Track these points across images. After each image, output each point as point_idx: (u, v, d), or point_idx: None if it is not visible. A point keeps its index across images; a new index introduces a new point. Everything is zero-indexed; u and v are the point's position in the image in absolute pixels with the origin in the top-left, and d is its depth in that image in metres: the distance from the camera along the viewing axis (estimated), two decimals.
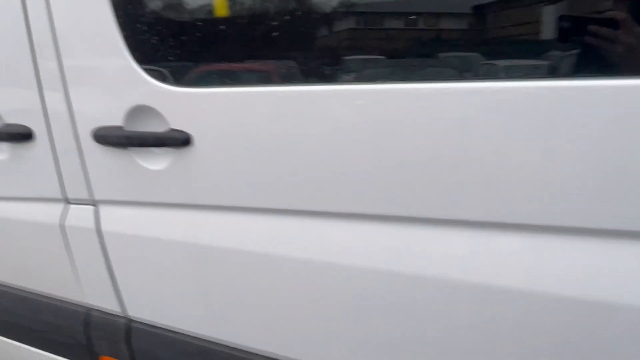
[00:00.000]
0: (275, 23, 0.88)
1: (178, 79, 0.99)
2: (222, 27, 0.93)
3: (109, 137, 1.08)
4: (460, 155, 0.76)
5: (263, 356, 1.12)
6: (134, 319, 1.33)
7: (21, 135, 1.21)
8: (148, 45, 1.00)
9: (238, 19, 0.93)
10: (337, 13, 0.84)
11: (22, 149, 1.24)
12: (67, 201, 1.29)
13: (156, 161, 1.07)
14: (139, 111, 1.04)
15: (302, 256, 0.97)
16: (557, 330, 0.77)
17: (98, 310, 1.39)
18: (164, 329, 1.28)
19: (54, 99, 1.13)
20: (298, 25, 0.87)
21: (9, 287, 1.56)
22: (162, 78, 0.99)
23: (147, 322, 1.30)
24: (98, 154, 1.13)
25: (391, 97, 0.79)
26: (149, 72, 1.00)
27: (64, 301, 1.46)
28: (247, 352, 1.14)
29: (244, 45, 0.94)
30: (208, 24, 0.95)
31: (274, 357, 1.11)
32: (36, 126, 1.19)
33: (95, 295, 1.36)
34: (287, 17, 0.87)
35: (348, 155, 0.85)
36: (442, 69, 0.78)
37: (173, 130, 1.01)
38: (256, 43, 0.93)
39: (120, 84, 1.04)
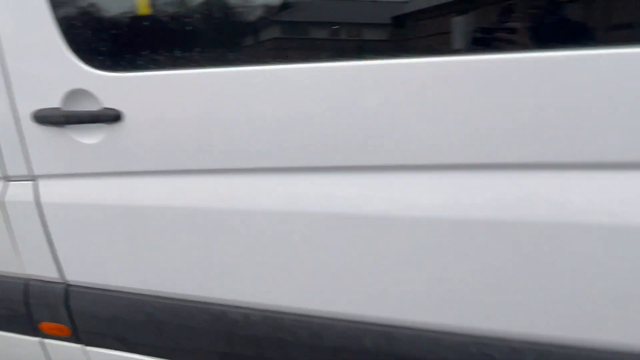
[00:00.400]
0: (188, 19, 1.12)
1: (108, 65, 1.19)
2: (144, 22, 1.16)
3: (48, 117, 1.26)
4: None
5: (189, 300, 1.33)
6: (71, 283, 1.48)
7: None
8: (82, 37, 1.19)
9: (156, 15, 1.16)
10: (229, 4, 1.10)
11: None
12: (7, 179, 1.43)
13: (91, 137, 1.26)
14: (74, 94, 1.22)
15: (217, 207, 1.20)
16: None
17: (37, 279, 1.53)
18: (100, 288, 1.45)
19: None
20: (203, 19, 1.11)
21: None
22: (94, 64, 1.19)
23: (85, 284, 1.47)
24: (38, 134, 1.30)
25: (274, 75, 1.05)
26: (83, 59, 1.19)
27: (2, 275, 1.58)
28: (176, 298, 1.35)
29: (161, 36, 1.17)
30: (131, 19, 1.17)
31: (198, 299, 1.32)
32: None
33: (34, 265, 1.50)
34: (197, 14, 1.11)
35: (250, 119, 1.10)
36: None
37: (106, 108, 1.20)
38: (171, 35, 1.16)
39: (57, 71, 1.22)
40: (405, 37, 1.03)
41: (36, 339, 1.63)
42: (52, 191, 1.38)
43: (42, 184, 1.38)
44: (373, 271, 1.09)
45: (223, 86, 1.10)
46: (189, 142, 1.17)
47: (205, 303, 1.31)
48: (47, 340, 1.62)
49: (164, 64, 1.15)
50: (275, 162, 1.11)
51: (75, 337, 1.55)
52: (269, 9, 1.10)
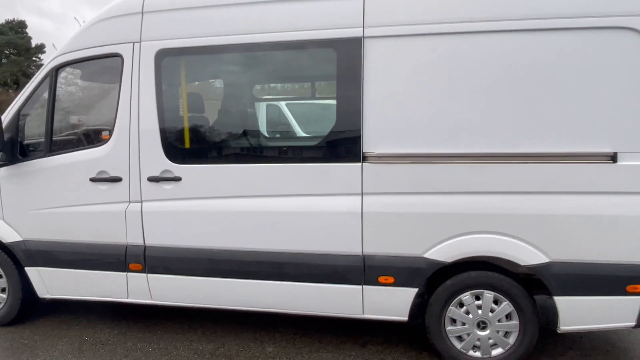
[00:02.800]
0: None
1: (178, 160, 3.37)
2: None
3: (156, 178, 3.40)
4: None
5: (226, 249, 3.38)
6: (147, 245, 3.51)
7: None
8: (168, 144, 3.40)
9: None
10: None
11: None
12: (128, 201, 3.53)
13: (169, 184, 3.40)
14: (164, 172, 3.39)
15: (246, 209, 3.32)
16: None
17: (132, 245, 3.55)
18: (161, 247, 3.48)
19: None
20: None
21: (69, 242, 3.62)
22: (172, 159, 3.37)
23: (153, 245, 3.50)
24: (149, 186, 3.44)
25: None
26: (167, 156, 3.38)
27: (116, 243, 3.60)
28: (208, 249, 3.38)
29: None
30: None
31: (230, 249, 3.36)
32: None
33: (132, 238, 3.53)
34: None
35: None
36: None
37: (175, 176, 3.36)
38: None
39: (158, 160, 3.39)
40: None
41: (125, 273, 3.60)
42: (153, 206, 3.45)
43: (145, 204, 3.47)
44: None
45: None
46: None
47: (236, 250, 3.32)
48: (129, 274, 3.59)
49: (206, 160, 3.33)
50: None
51: (143, 270, 3.54)
52: None
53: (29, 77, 35.62)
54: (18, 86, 34.01)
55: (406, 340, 3.60)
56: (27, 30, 37.96)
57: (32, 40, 37.22)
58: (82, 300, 3.83)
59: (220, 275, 3.42)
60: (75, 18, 35.21)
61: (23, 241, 3.77)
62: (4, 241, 3.81)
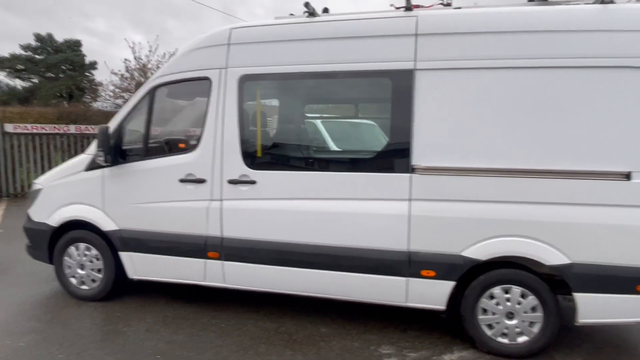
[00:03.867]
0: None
1: (252, 167, 3.92)
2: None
3: (235, 180, 3.95)
4: None
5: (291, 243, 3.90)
6: (224, 237, 4.05)
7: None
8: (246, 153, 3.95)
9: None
10: None
11: None
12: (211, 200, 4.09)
13: (246, 186, 3.94)
14: (242, 175, 3.94)
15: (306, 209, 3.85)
16: None
17: (212, 236, 4.09)
18: (235, 239, 4.01)
19: None
20: None
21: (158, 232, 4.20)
22: (249, 165, 3.92)
23: (229, 237, 4.03)
24: (228, 187, 3.99)
25: None
26: (245, 163, 3.94)
27: (198, 234, 4.14)
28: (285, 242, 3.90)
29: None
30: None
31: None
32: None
33: (211, 230, 4.08)
34: None
35: None
36: None
37: (251, 179, 3.90)
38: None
39: (238, 165, 3.95)
40: None
41: (204, 260, 4.13)
42: (231, 204, 4.00)
43: (225, 203, 4.02)
44: None
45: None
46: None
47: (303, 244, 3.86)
48: (207, 260, 4.13)
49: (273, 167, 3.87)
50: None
51: (220, 258, 4.07)
52: None
53: (82, 90, 37.50)
54: (72, 98, 35.87)
55: (439, 327, 4.00)
56: (82, 49, 40.06)
57: (85, 58, 39.16)
58: (164, 281, 4.38)
59: (286, 265, 3.92)
60: (125, 39, 36.97)
61: (119, 230, 4.37)
62: (103, 229, 4.42)
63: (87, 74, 39.41)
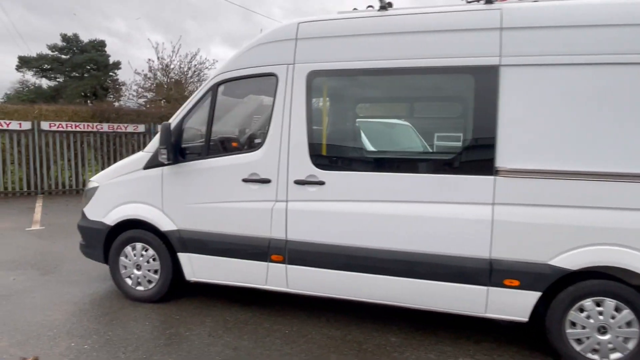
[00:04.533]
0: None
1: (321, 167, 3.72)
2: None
3: (302, 181, 3.76)
4: None
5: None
6: (289, 239, 3.86)
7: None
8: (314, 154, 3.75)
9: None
10: None
11: None
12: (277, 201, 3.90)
13: (313, 187, 3.75)
14: (310, 176, 3.75)
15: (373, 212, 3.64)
16: None
17: (275, 238, 3.91)
18: (298, 241, 3.82)
19: None
20: None
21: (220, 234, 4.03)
22: (318, 166, 3.73)
23: (293, 240, 3.84)
24: (294, 188, 3.79)
25: None
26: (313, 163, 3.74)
27: (258, 237, 3.96)
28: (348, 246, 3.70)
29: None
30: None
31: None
32: None
33: (278, 232, 3.89)
34: None
35: None
36: None
37: (319, 180, 3.71)
38: None
39: (305, 164, 3.76)
40: None
41: (266, 263, 3.96)
42: (298, 206, 3.81)
43: (291, 204, 3.83)
44: None
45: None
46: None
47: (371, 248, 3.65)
48: (270, 264, 3.95)
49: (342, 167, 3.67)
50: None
51: (284, 262, 3.88)
52: None
53: (106, 90, 37.89)
54: (96, 97, 36.27)
55: (516, 340, 3.75)
56: (105, 49, 40.52)
57: (109, 58, 39.60)
58: (222, 284, 4.22)
59: (356, 270, 3.72)
60: (148, 39, 37.19)
61: (178, 230, 4.22)
62: (162, 229, 4.27)
63: (111, 73, 39.85)
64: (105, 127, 12.51)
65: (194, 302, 4.47)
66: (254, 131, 4.29)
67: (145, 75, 20.25)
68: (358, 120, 4.09)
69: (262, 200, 3.94)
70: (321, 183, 3.76)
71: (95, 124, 12.44)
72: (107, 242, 4.53)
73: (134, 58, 58.64)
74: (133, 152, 12.90)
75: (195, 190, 4.15)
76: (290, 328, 3.95)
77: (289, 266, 3.91)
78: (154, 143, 4.31)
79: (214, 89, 4.11)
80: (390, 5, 3.79)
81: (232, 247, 4.07)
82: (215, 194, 4.08)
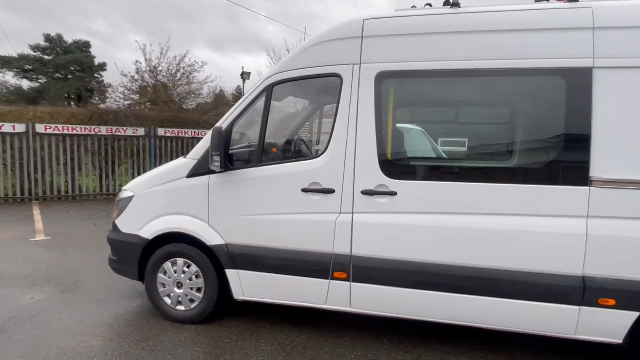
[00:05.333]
0: None
1: (393, 176, 3.40)
2: None
3: (371, 191, 3.43)
4: None
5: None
6: (354, 255, 3.53)
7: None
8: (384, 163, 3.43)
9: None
10: None
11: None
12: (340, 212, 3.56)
13: (384, 197, 3.42)
14: (379, 186, 3.42)
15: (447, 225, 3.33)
16: None
17: (338, 253, 3.57)
18: (368, 257, 3.49)
19: None
20: None
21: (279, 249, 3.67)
22: (388, 175, 3.40)
23: (360, 255, 3.51)
24: (364, 199, 3.46)
25: None
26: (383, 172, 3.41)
27: (321, 252, 3.62)
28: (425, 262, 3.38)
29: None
30: None
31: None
32: None
33: (341, 246, 3.55)
34: None
35: None
36: None
37: (390, 190, 3.38)
38: None
39: (376, 176, 3.43)
40: None
41: (327, 281, 3.61)
42: (365, 218, 3.48)
43: (357, 216, 3.50)
44: None
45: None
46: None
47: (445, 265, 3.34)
48: (332, 281, 3.61)
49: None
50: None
51: (347, 279, 3.55)
52: None
53: (90, 92, 36.85)
54: (80, 99, 35.20)
55: None
56: (90, 50, 39.43)
57: (94, 59, 38.53)
58: (275, 303, 3.85)
59: (429, 288, 3.41)
60: (136, 41, 36.27)
61: (226, 244, 3.84)
62: (207, 243, 3.88)
63: (96, 75, 38.81)
64: (103, 129, 11.93)
65: (238, 322, 4.08)
66: (314, 136, 3.93)
67: (133, 77, 19.62)
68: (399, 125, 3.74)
69: (323, 212, 3.60)
70: (392, 193, 3.43)
71: (92, 127, 11.85)
72: (142, 257, 4.11)
73: (119, 60, 57.26)
74: (133, 156, 12.38)
75: (247, 201, 3.77)
76: (354, 352, 3.61)
77: (354, 284, 3.57)
78: (199, 149, 3.92)
79: (268, 90, 3.75)
80: (456, 4, 3.50)
81: (288, 263, 3.71)
82: (270, 204, 3.72)
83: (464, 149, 3.51)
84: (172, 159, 12.88)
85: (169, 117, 13.59)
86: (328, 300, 3.68)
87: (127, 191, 4.22)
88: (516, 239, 3.23)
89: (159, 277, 4.09)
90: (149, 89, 20.20)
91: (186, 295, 4.05)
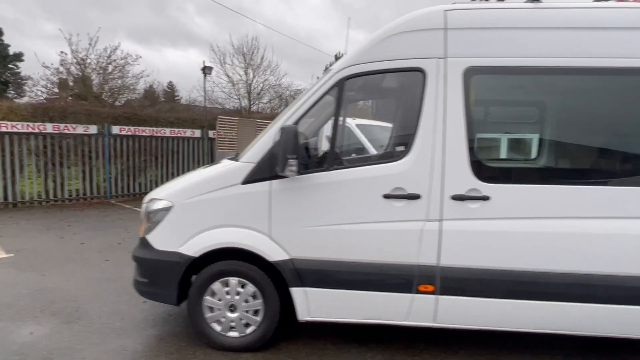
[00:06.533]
0: None
1: (485, 179, 3.16)
2: None
3: (462, 196, 3.15)
4: None
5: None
6: (443, 265, 3.23)
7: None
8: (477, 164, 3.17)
9: None
10: None
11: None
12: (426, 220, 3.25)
13: (475, 203, 3.16)
14: (470, 190, 3.15)
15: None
16: None
17: (423, 265, 3.25)
18: (458, 267, 3.21)
19: None
20: None
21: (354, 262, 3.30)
22: (480, 177, 3.15)
23: (449, 266, 3.23)
24: (452, 204, 3.18)
25: None
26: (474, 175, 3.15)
27: (400, 264, 3.28)
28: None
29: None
30: None
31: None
32: None
33: (427, 257, 3.24)
34: None
35: None
36: None
37: (484, 195, 3.13)
38: None
39: (466, 178, 3.16)
40: None
41: (410, 295, 3.29)
42: (455, 225, 3.19)
43: (446, 223, 3.21)
44: None
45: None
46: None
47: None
48: (416, 295, 3.28)
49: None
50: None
51: (434, 292, 3.25)
52: None
53: (5, 84, 32.98)
54: None
55: None
56: (3, 38, 35.19)
57: (9, 48, 34.45)
58: (345, 322, 3.45)
59: (522, 297, 3.21)
60: (60, 29, 32.59)
61: (291, 259, 3.36)
62: (269, 259, 3.37)
63: (11, 66, 34.78)
64: (49, 127, 10.52)
65: (298, 345, 3.61)
66: (394, 137, 3.56)
67: (57, 69, 17.54)
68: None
69: (408, 220, 3.26)
70: (485, 198, 3.18)
71: (36, 124, 10.40)
72: (183, 278, 3.50)
73: (29, 49, 51.31)
74: (84, 157, 11.05)
75: (318, 210, 3.32)
76: None
77: (441, 297, 3.27)
78: (257, 151, 3.39)
79: (340, 85, 3.32)
80: None
81: (365, 278, 3.33)
82: (346, 213, 3.30)
83: (562, 150, 3.33)
84: (128, 160, 11.72)
85: (125, 113, 12.36)
86: (410, 316, 3.35)
87: (162, 201, 3.56)
88: (617, 242, 3.12)
89: (206, 301, 3.51)
90: (70, 82, 18.20)
91: (241, 320, 3.50)
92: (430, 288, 3.28)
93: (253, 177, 3.37)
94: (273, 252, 3.37)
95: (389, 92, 3.55)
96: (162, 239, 3.52)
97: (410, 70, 3.28)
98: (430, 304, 3.30)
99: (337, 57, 4.13)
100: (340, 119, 3.34)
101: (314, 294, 3.39)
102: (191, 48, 51.19)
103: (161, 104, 26.39)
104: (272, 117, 18.64)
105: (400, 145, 3.33)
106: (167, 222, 3.50)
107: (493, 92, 3.30)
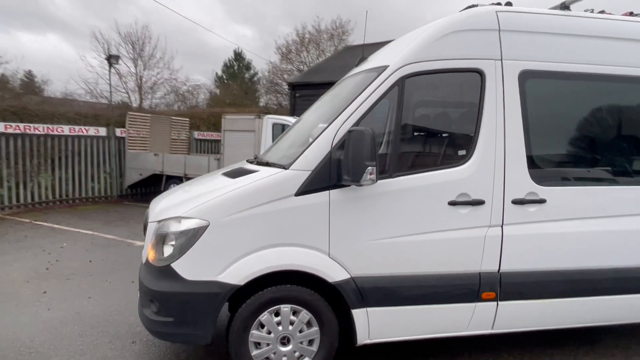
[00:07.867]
0: None
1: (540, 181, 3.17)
2: None
3: (522, 200, 3.12)
4: None
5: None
6: (502, 271, 3.17)
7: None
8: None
9: None
10: None
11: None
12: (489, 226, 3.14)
13: (535, 206, 3.15)
14: (529, 194, 3.14)
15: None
16: None
17: (485, 272, 3.15)
18: (517, 271, 3.17)
19: None
20: None
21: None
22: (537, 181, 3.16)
23: (509, 271, 3.17)
24: (513, 208, 3.12)
25: None
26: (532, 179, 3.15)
27: (464, 273, 3.13)
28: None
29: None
30: None
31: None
32: None
33: (489, 263, 3.13)
34: None
35: None
36: None
37: (540, 198, 3.14)
38: None
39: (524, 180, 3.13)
40: None
41: (473, 304, 3.16)
42: (515, 230, 3.13)
43: (507, 228, 3.14)
44: None
45: None
46: None
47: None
48: (478, 304, 3.17)
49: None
50: None
51: (495, 299, 3.17)
52: None
53: None
54: None
55: None
56: None
57: None
58: (406, 340, 3.19)
59: (577, 295, 3.30)
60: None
61: (352, 278, 2.99)
62: (330, 280, 2.95)
63: None
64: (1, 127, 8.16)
65: None
66: (454, 140, 3.35)
67: None
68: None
69: (472, 226, 3.11)
70: (542, 201, 3.19)
71: None
72: (217, 311, 2.88)
73: None
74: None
75: (380, 221, 2.99)
76: None
77: (501, 303, 3.21)
78: (312, 156, 2.90)
79: (400, 83, 3.02)
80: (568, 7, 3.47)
81: (430, 291, 3.11)
82: (412, 223, 3.03)
83: (612, 152, 3.46)
84: (16, 162, 9.67)
85: (11, 107, 10.12)
86: (470, 326, 3.23)
87: (191, 219, 2.86)
88: None
89: (253, 336, 2.94)
90: None
91: (294, 352, 3.01)
92: (492, 295, 3.19)
93: (309, 188, 2.90)
94: (333, 272, 2.95)
95: (446, 93, 3.35)
96: (194, 267, 2.85)
97: (469, 71, 3.13)
98: (490, 311, 3.21)
99: (360, 60, 3.77)
100: (402, 120, 3.04)
101: (376, 314, 3.06)
102: (49, 32, 43.16)
103: (28, 97, 22.55)
104: (169, 113, 17.12)
105: (460, 148, 3.16)
106: (202, 245, 2.83)
107: (546, 97, 3.32)
